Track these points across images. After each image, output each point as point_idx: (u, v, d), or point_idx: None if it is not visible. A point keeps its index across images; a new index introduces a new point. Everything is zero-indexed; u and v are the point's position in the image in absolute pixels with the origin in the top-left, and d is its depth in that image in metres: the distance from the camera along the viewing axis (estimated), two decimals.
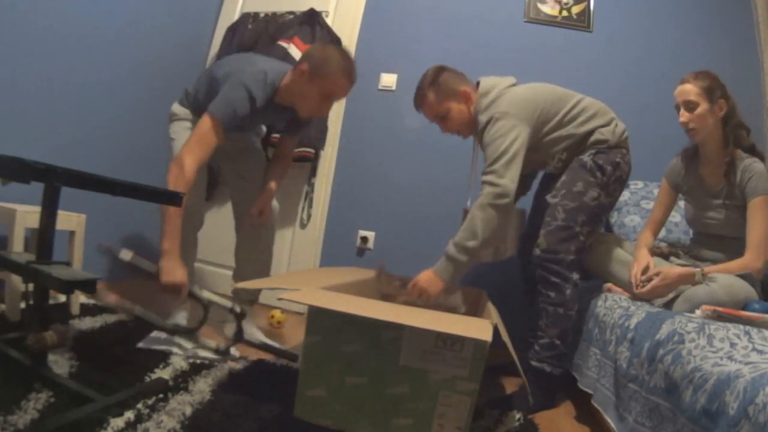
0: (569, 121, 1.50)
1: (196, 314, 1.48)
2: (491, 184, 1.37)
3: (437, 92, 1.53)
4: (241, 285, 1.55)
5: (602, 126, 1.50)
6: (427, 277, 1.41)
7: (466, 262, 1.38)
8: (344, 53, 1.50)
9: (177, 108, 1.66)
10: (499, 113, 1.42)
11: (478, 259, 1.45)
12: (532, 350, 1.44)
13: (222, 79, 1.47)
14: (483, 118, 1.46)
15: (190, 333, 1.44)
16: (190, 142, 1.40)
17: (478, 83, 1.57)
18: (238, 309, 1.42)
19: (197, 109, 1.57)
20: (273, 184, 1.71)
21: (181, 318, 1.65)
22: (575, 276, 1.43)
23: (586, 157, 1.47)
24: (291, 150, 1.81)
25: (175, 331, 1.46)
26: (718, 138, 1.39)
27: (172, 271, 1.31)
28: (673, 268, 1.33)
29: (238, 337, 1.45)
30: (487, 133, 1.43)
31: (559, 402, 1.47)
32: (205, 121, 1.40)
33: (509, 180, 1.36)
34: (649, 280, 1.33)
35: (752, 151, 1.40)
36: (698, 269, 1.27)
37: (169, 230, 1.33)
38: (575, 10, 2.33)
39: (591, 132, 1.50)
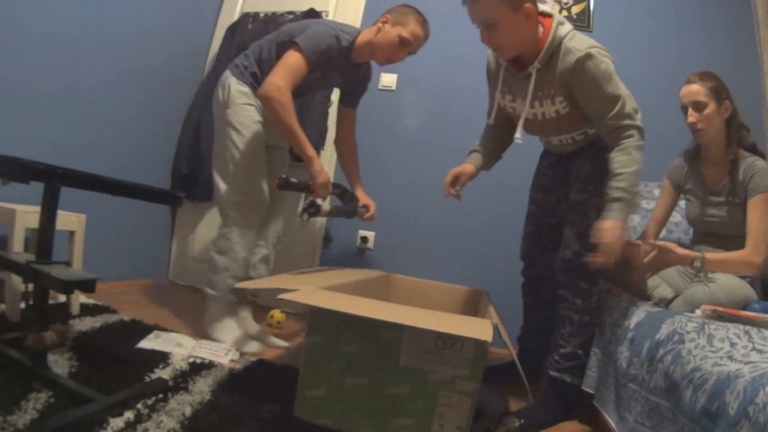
0: None
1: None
2: (634, 127, 1.25)
3: None
4: (241, 285, 1.55)
5: (635, 112, 1.39)
6: (612, 226, 1.21)
7: (636, 203, 1.27)
8: (421, 12, 1.63)
9: (237, 86, 1.59)
10: (597, 49, 1.23)
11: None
12: (550, 359, 1.37)
13: (297, 32, 1.53)
14: (576, 46, 1.23)
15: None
16: (278, 69, 1.46)
17: (540, 13, 1.30)
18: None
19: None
20: (357, 171, 1.88)
21: (232, 328, 1.59)
22: (601, 282, 1.37)
23: None
24: (353, 124, 1.87)
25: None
26: (722, 138, 1.41)
27: (323, 170, 1.53)
28: (676, 248, 1.31)
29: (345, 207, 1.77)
30: (590, 68, 1.22)
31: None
32: (291, 53, 1.48)
33: (642, 122, 1.28)
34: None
35: (753, 149, 1.41)
36: (699, 254, 1.28)
37: (304, 139, 1.48)
38: (575, 9, 2.33)
39: None
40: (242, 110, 1.58)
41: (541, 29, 1.27)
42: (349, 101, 1.83)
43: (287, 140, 1.54)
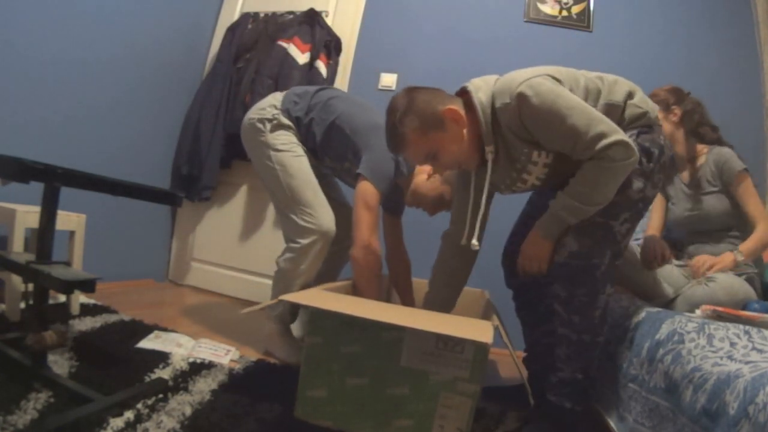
0: (596, 93, 1.10)
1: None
2: (611, 145, 0.97)
3: (418, 124, 1.08)
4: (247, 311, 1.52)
5: (630, 95, 1.12)
6: (535, 243, 1.12)
7: (573, 222, 1.07)
8: None
9: (283, 119, 1.55)
10: (525, 84, 1.01)
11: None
12: (548, 381, 1.15)
13: (356, 136, 1.47)
14: (504, 100, 1.04)
15: None
16: (365, 220, 1.40)
17: (459, 92, 1.15)
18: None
19: (304, 140, 1.57)
20: (411, 295, 1.73)
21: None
22: (609, 289, 1.08)
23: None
24: (402, 235, 1.77)
25: None
26: (681, 140, 1.51)
27: None
28: (713, 264, 1.35)
29: None
30: (526, 111, 1.01)
31: None
32: (371, 194, 1.40)
33: (622, 133, 1.00)
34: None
35: (719, 143, 1.50)
36: (737, 251, 1.34)
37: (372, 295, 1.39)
38: (575, 10, 2.33)
39: (623, 104, 1.11)
40: (285, 151, 1.53)
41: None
42: (393, 209, 1.71)
43: None
